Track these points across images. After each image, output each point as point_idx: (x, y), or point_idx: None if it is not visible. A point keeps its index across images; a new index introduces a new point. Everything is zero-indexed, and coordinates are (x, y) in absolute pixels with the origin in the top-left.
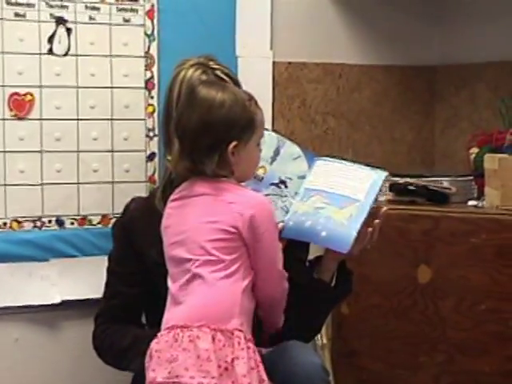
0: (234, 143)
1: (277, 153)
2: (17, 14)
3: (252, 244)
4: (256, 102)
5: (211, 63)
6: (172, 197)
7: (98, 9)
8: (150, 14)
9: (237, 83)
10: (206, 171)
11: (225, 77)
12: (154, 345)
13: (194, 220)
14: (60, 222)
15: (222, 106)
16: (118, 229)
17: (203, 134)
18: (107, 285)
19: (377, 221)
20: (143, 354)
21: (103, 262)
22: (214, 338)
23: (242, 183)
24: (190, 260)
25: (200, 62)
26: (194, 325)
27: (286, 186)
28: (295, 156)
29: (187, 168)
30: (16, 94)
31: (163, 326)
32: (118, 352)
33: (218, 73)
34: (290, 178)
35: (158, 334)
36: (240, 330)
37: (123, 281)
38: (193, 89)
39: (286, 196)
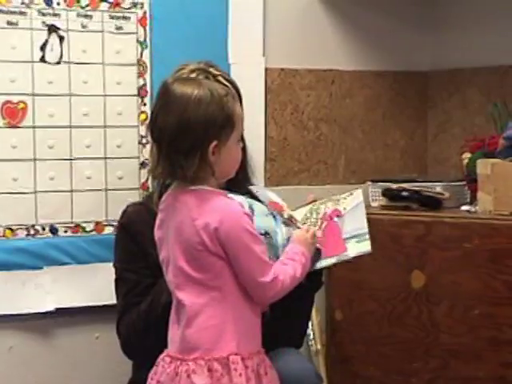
0: (214, 143)
1: (252, 209)
2: (9, 22)
3: (226, 256)
4: (233, 96)
5: (212, 69)
6: (160, 206)
7: (90, 16)
8: (142, 21)
9: (237, 90)
10: (186, 175)
11: (227, 83)
12: (157, 375)
13: (173, 240)
14: (53, 230)
15: (199, 104)
16: (120, 231)
17: (181, 136)
18: (121, 285)
19: None
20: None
21: (97, 269)
22: (210, 369)
23: (219, 189)
24: (174, 283)
25: (200, 67)
26: (190, 358)
27: (271, 237)
28: (266, 213)
29: (166, 172)
30: (8, 102)
31: (168, 341)
32: (146, 311)
33: (220, 79)
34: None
35: (161, 361)
36: (236, 354)
37: (138, 273)
38: (167, 87)
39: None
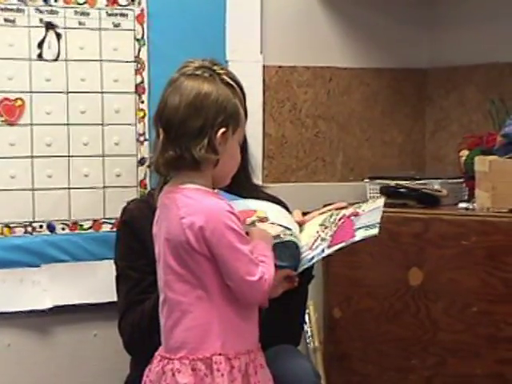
0: (222, 130)
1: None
2: (6, 20)
3: (211, 256)
4: (238, 97)
5: (216, 67)
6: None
7: (87, 14)
8: (139, 18)
9: (241, 88)
10: (193, 157)
11: (232, 82)
12: (150, 373)
13: (163, 237)
14: (51, 228)
15: (210, 94)
16: (121, 227)
17: (192, 117)
18: (123, 282)
19: None
20: None
21: (95, 266)
22: (194, 369)
23: (213, 189)
24: (164, 280)
25: (205, 65)
26: (176, 357)
27: None
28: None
29: (172, 158)
30: (6, 99)
31: (162, 337)
32: (151, 309)
33: (225, 77)
34: None
35: (154, 359)
36: (220, 354)
37: (140, 270)
38: (175, 80)
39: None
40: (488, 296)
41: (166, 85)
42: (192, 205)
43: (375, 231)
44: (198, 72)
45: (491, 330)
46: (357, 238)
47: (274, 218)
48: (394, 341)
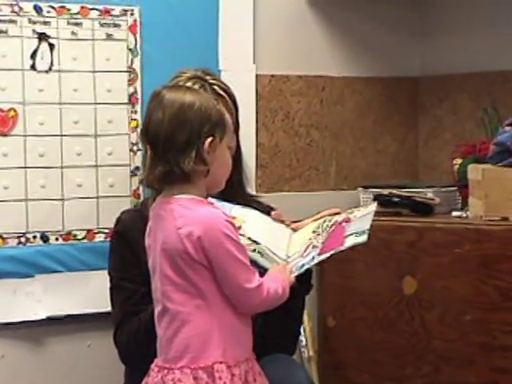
0: (209, 139)
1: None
2: None
3: (209, 265)
4: (224, 104)
5: (208, 77)
6: (150, 214)
7: (80, 24)
8: (132, 28)
9: (233, 99)
10: (183, 170)
11: (223, 93)
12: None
13: (159, 248)
14: (45, 238)
15: (193, 104)
16: (115, 239)
17: (178, 131)
18: (117, 293)
19: None
20: None
21: (89, 277)
22: (195, 378)
23: (207, 197)
24: (161, 291)
25: (197, 75)
26: (176, 366)
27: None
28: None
29: (162, 173)
30: None
31: (157, 349)
32: (147, 320)
33: (216, 88)
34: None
35: (151, 370)
36: (221, 362)
37: (134, 281)
38: (157, 94)
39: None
40: (482, 304)
41: (149, 98)
42: (189, 215)
43: (364, 238)
44: (189, 83)
45: (485, 338)
46: (346, 245)
47: (249, 229)
48: (388, 349)
